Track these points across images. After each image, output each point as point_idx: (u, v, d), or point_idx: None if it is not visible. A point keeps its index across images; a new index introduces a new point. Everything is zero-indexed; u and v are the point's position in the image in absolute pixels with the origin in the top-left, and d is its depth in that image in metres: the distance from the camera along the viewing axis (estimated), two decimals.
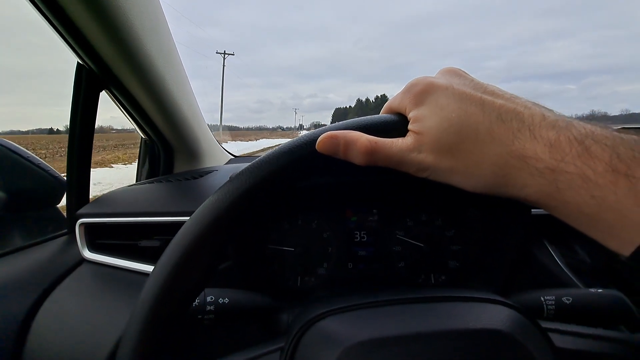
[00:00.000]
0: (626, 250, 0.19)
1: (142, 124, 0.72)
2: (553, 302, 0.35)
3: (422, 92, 0.25)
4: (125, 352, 0.24)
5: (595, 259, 0.45)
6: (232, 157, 1.09)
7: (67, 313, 0.47)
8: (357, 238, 0.60)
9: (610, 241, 0.20)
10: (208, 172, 0.72)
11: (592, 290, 0.36)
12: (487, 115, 0.23)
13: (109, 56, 0.53)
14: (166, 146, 0.80)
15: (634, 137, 0.20)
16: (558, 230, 0.47)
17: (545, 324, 0.28)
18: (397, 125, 0.26)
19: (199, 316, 0.35)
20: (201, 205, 0.26)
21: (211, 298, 0.36)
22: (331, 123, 0.28)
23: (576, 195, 0.19)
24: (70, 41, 0.51)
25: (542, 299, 0.36)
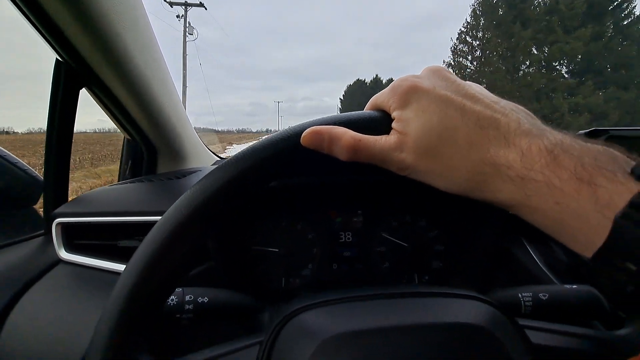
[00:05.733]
0: (588, 253, 0.20)
1: (124, 122, 0.70)
2: (530, 299, 0.36)
3: (407, 93, 0.26)
4: (96, 349, 0.23)
5: (571, 257, 0.46)
6: (219, 158, 1.08)
7: (40, 315, 0.46)
8: (342, 239, 0.60)
9: (574, 244, 0.21)
10: (192, 172, 0.71)
11: (567, 286, 0.37)
12: (465, 121, 0.23)
13: (88, 51, 0.52)
14: (149, 146, 0.79)
15: (600, 147, 0.21)
16: (536, 229, 0.48)
17: (521, 321, 0.28)
18: (382, 123, 0.27)
19: (177, 315, 0.34)
20: (178, 199, 0.25)
21: (190, 297, 0.35)
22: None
23: (542, 202, 0.21)
24: (48, 36, 0.49)
25: (519, 295, 0.36)
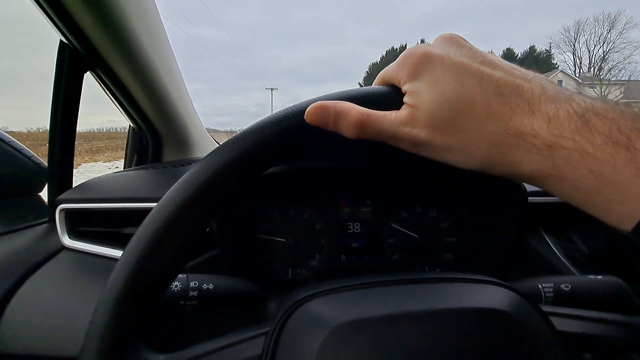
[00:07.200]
0: (627, 225, 0.18)
1: (129, 109, 0.69)
2: (551, 290, 0.34)
3: (418, 64, 0.24)
4: (91, 341, 0.22)
5: (592, 248, 0.44)
6: None
7: (41, 301, 0.45)
8: (350, 229, 0.59)
9: (609, 216, 0.19)
10: (198, 160, 0.70)
11: (592, 277, 0.35)
12: (484, 89, 0.21)
13: (94, 33, 0.51)
14: (154, 134, 0.78)
15: (635, 110, 0.19)
16: (555, 219, 0.46)
17: (544, 308, 0.27)
18: (391, 98, 0.25)
19: (181, 302, 0.33)
20: (177, 182, 0.24)
21: (195, 284, 0.34)
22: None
23: (574, 170, 0.19)
24: (53, 16, 0.48)
25: (540, 286, 0.35)
